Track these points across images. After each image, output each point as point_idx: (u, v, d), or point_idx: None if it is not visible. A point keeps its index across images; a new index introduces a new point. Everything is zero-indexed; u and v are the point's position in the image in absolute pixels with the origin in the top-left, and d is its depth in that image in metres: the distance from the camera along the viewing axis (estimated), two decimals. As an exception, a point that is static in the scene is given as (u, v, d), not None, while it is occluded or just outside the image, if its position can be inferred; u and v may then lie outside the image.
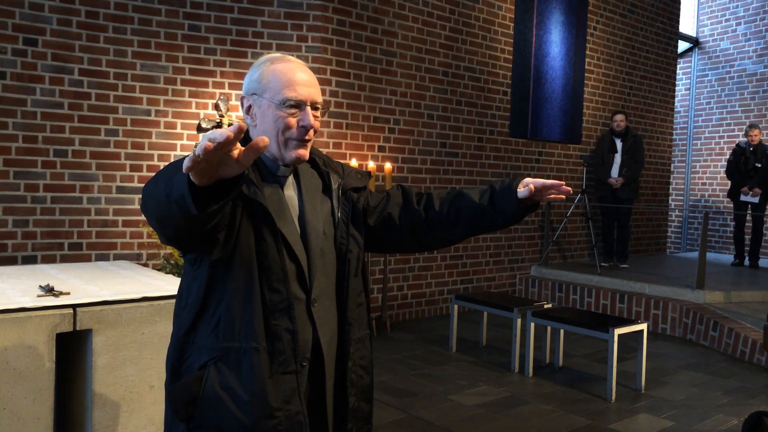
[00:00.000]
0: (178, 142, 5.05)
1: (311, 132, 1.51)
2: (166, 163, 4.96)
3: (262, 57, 1.57)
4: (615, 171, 7.33)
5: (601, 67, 8.08)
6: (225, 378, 1.42)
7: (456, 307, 5.19)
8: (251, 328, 1.42)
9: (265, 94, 1.49)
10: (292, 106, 1.47)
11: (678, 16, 9.28)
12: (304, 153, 1.52)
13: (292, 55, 1.61)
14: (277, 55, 1.56)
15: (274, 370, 1.43)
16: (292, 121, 1.48)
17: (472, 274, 6.79)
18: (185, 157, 1.14)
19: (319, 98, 1.53)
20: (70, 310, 2.27)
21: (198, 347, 1.46)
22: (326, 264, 1.56)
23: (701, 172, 10.23)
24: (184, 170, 1.12)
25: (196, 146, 1.10)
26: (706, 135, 10.17)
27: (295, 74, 1.49)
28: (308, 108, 1.49)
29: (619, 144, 7.35)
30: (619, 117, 7.36)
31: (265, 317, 1.44)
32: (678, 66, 9.91)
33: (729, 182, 8.05)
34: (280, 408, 1.44)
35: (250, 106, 1.53)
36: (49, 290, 2.40)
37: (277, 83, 1.48)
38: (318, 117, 1.53)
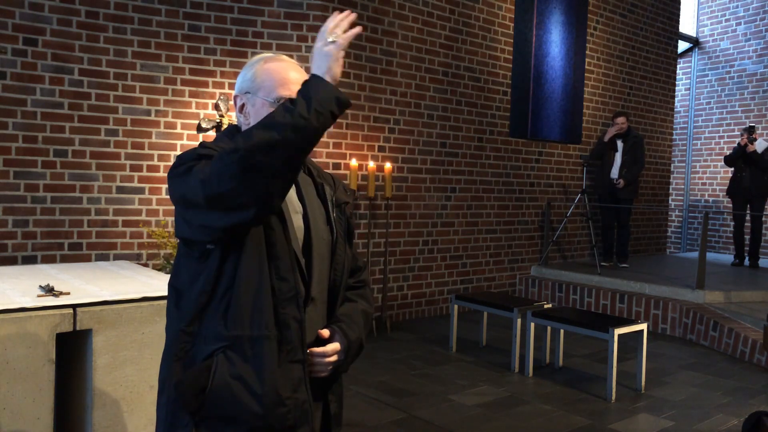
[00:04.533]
0: (178, 142, 5.05)
1: None
2: (165, 163, 4.97)
3: (255, 57, 1.60)
4: (615, 171, 7.32)
5: (601, 67, 8.08)
6: (235, 367, 1.42)
7: (456, 307, 5.19)
8: (262, 316, 1.43)
9: (258, 93, 1.52)
10: None
11: (678, 16, 9.28)
12: None
13: (292, 56, 1.62)
14: (270, 54, 1.59)
15: (282, 358, 1.44)
16: None
17: (472, 274, 6.79)
18: (265, 117, 1.32)
19: None
20: (70, 310, 2.27)
21: (203, 337, 1.45)
22: (322, 269, 1.58)
23: (701, 172, 10.23)
24: (334, 73, 1.34)
25: (327, 43, 1.35)
26: (706, 135, 10.17)
27: (288, 73, 1.53)
28: None
29: (619, 144, 7.34)
30: (621, 120, 7.29)
31: (275, 305, 1.44)
32: (678, 66, 9.91)
33: (728, 183, 8.04)
34: (289, 396, 1.45)
35: (243, 105, 1.56)
36: (49, 290, 2.40)
37: (271, 82, 1.51)
38: None
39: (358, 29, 1.39)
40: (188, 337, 1.46)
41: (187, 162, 1.41)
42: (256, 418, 1.42)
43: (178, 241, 1.55)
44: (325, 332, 1.55)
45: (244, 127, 1.56)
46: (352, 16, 1.40)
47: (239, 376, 1.41)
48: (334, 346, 1.54)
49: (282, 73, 1.52)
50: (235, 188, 1.30)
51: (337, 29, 1.38)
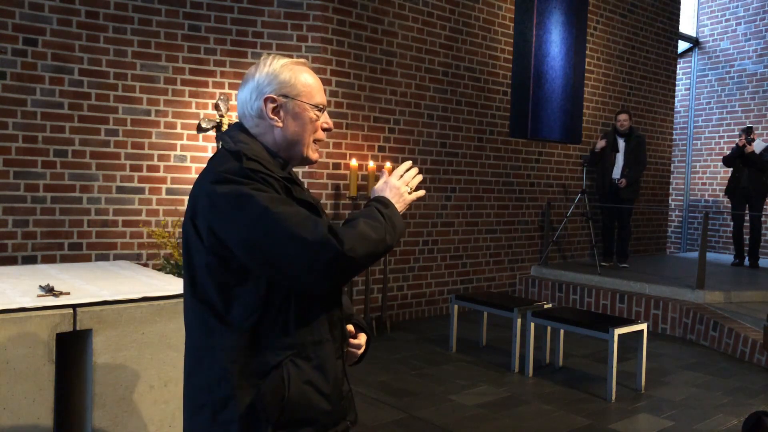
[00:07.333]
0: (178, 142, 5.05)
1: None
2: (165, 163, 4.96)
3: (279, 59, 1.56)
4: (617, 171, 7.32)
5: (601, 67, 8.08)
6: (304, 372, 1.47)
7: (456, 307, 5.19)
8: (324, 320, 1.51)
9: (300, 97, 1.55)
10: (321, 110, 1.60)
11: (678, 16, 9.28)
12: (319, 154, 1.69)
13: (292, 55, 1.64)
14: (286, 57, 1.59)
15: (335, 356, 1.55)
16: (319, 123, 1.61)
17: (472, 274, 6.79)
18: (378, 212, 1.58)
19: None
20: (70, 310, 2.27)
21: (264, 348, 1.43)
22: None
23: (701, 172, 10.23)
24: (403, 208, 1.67)
25: (404, 191, 1.68)
26: (706, 135, 10.17)
27: (315, 78, 1.61)
28: (325, 111, 1.63)
29: (621, 144, 7.34)
30: (623, 116, 7.33)
31: (329, 309, 1.54)
32: (678, 66, 9.91)
33: (727, 183, 8.04)
34: (344, 389, 1.58)
35: (276, 107, 1.53)
36: (49, 290, 2.40)
37: (309, 87, 1.57)
38: None
39: (422, 191, 1.76)
40: (245, 351, 1.43)
41: (253, 199, 1.39)
42: (326, 415, 1.51)
43: (186, 246, 1.49)
44: (352, 327, 1.70)
45: (273, 129, 1.54)
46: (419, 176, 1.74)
47: (309, 380, 1.47)
48: (365, 337, 1.73)
49: (313, 79, 1.60)
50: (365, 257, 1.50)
51: (412, 182, 1.73)
